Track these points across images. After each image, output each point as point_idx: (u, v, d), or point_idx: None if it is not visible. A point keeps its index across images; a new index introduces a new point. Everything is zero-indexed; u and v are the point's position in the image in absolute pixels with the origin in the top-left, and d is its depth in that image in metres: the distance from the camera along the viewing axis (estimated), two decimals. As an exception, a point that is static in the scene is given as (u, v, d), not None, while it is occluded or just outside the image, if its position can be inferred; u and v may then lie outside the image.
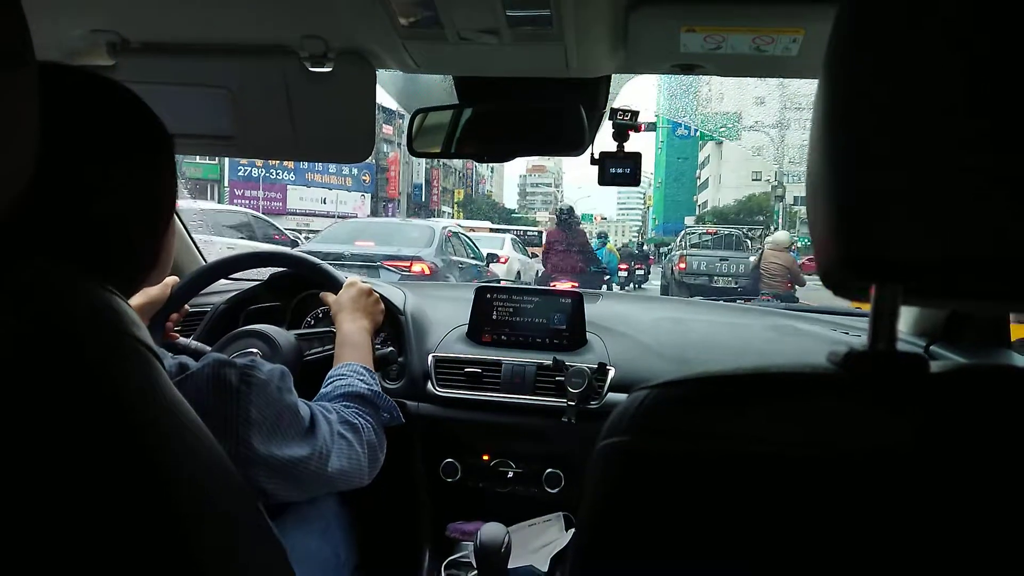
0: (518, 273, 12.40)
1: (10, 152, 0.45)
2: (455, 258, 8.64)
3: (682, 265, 12.25)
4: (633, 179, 1.30)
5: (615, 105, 1.30)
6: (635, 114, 1.29)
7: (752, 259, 10.69)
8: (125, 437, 0.55)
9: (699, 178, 49.39)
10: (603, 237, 14.46)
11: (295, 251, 1.53)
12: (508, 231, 16.81)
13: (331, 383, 1.11)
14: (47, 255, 0.60)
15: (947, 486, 0.43)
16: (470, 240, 10.01)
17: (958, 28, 0.41)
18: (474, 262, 9.28)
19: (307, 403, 0.94)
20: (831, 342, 1.57)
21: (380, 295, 1.61)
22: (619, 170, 1.29)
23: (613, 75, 1.24)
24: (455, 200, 51.54)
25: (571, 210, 9.15)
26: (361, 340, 1.23)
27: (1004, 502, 0.42)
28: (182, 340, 1.41)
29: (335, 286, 1.40)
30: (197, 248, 1.86)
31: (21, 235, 0.59)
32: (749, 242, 14.00)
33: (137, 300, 1.35)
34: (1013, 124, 0.40)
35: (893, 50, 0.42)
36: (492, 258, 9.51)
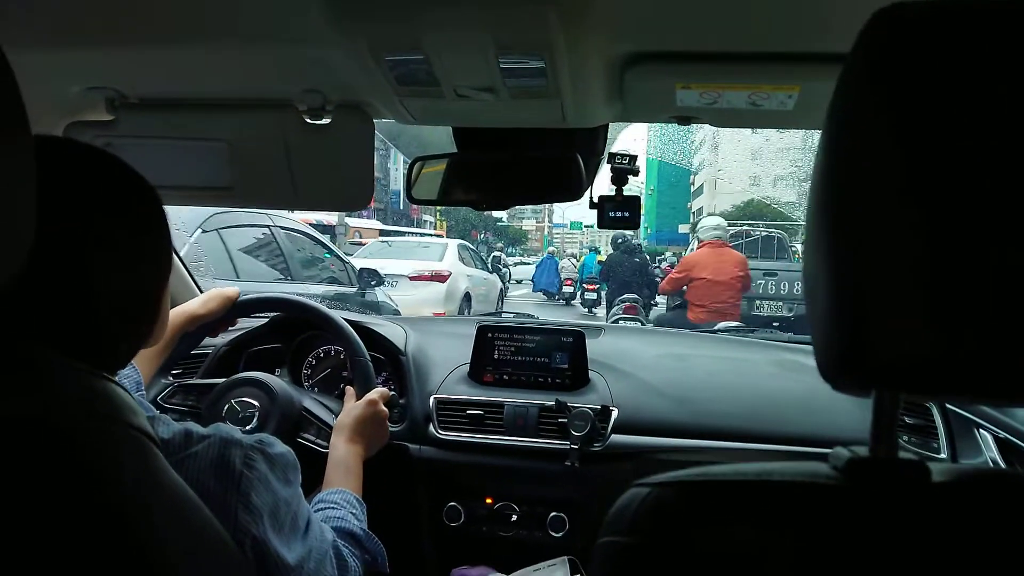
0: (467, 294, 10.10)
1: (9, 226, 0.47)
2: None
3: (707, 285, 8.95)
4: (633, 222, 1.38)
5: (613, 149, 1.38)
6: (633, 158, 1.37)
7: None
8: (118, 528, 0.58)
9: (693, 184, 49.72)
10: (595, 250, 14.34)
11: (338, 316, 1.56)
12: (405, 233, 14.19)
13: (323, 510, 1.08)
14: (41, 336, 0.63)
15: None
16: (314, 241, 5.58)
17: (950, 114, 0.42)
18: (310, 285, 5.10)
19: (307, 506, 0.92)
20: None
21: (380, 335, 1.68)
22: (618, 214, 1.37)
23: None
24: (437, 209, 51.41)
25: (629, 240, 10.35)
26: (355, 466, 1.23)
27: None
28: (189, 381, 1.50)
29: (364, 379, 1.47)
30: (192, 278, 1.92)
31: (15, 312, 0.62)
32: (799, 246, 10.34)
33: (199, 309, 1.46)
34: (1009, 218, 0.42)
35: (886, 135, 0.44)
36: (371, 279, 5.98)
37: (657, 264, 13.65)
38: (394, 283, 9.65)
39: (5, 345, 0.60)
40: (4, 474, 0.54)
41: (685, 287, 5.73)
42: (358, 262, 10.39)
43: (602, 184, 1.39)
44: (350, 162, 1.28)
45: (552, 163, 1.31)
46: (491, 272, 12.92)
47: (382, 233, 15.79)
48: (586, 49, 0.94)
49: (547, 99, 1.09)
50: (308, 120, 1.22)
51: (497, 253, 20.58)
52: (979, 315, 0.43)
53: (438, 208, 49.80)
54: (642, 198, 1.44)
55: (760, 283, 8.40)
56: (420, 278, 9.79)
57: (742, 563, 0.49)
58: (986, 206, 0.42)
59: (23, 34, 0.99)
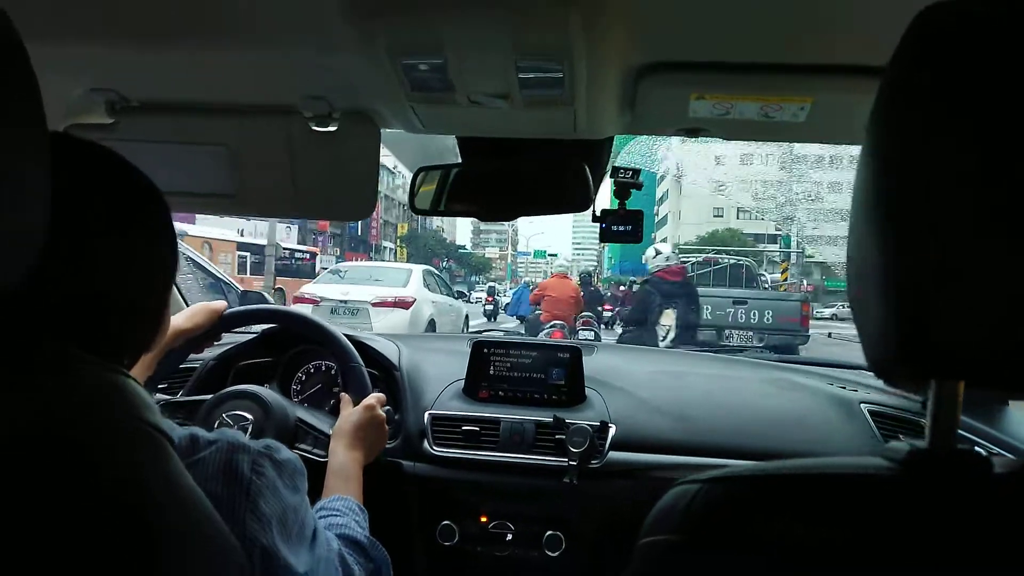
0: (431, 321, 10.18)
1: (23, 216, 0.47)
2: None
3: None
4: (635, 237, 1.40)
5: (616, 163, 1.41)
6: (636, 172, 1.40)
7: (792, 303, 8.58)
8: (132, 529, 0.57)
9: (657, 214, 50.47)
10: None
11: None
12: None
13: (325, 517, 1.07)
14: (54, 332, 0.63)
15: None
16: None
17: (1011, 99, 0.42)
18: None
19: (313, 514, 0.91)
20: (828, 397, 1.68)
21: (374, 349, 1.67)
22: (621, 228, 1.39)
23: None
24: (398, 235, 51.29)
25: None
26: (355, 472, 1.23)
27: None
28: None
29: (359, 384, 1.46)
30: (179, 291, 1.89)
31: (27, 310, 0.62)
32: (767, 276, 10.63)
33: (184, 324, 1.43)
34: None
35: (948, 121, 0.43)
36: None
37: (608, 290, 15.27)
38: (355, 311, 9.74)
39: (22, 340, 0.60)
40: (23, 469, 0.54)
41: (540, 301, 8.43)
42: (317, 288, 10.12)
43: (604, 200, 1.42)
44: (355, 171, 1.28)
45: (559, 174, 1.33)
46: (456, 299, 12.98)
47: (240, 247, 15.24)
48: (604, 55, 0.95)
49: (560, 108, 1.10)
50: (314, 127, 1.22)
51: (493, 284, 21.77)
52: None
53: (399, 235, 49.74)
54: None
55: (729, 311, 8.66)
56: (383, 304, 9.80)
57: (799, 558, 0.48)
58: None
59: (23, 30, 0.97)
